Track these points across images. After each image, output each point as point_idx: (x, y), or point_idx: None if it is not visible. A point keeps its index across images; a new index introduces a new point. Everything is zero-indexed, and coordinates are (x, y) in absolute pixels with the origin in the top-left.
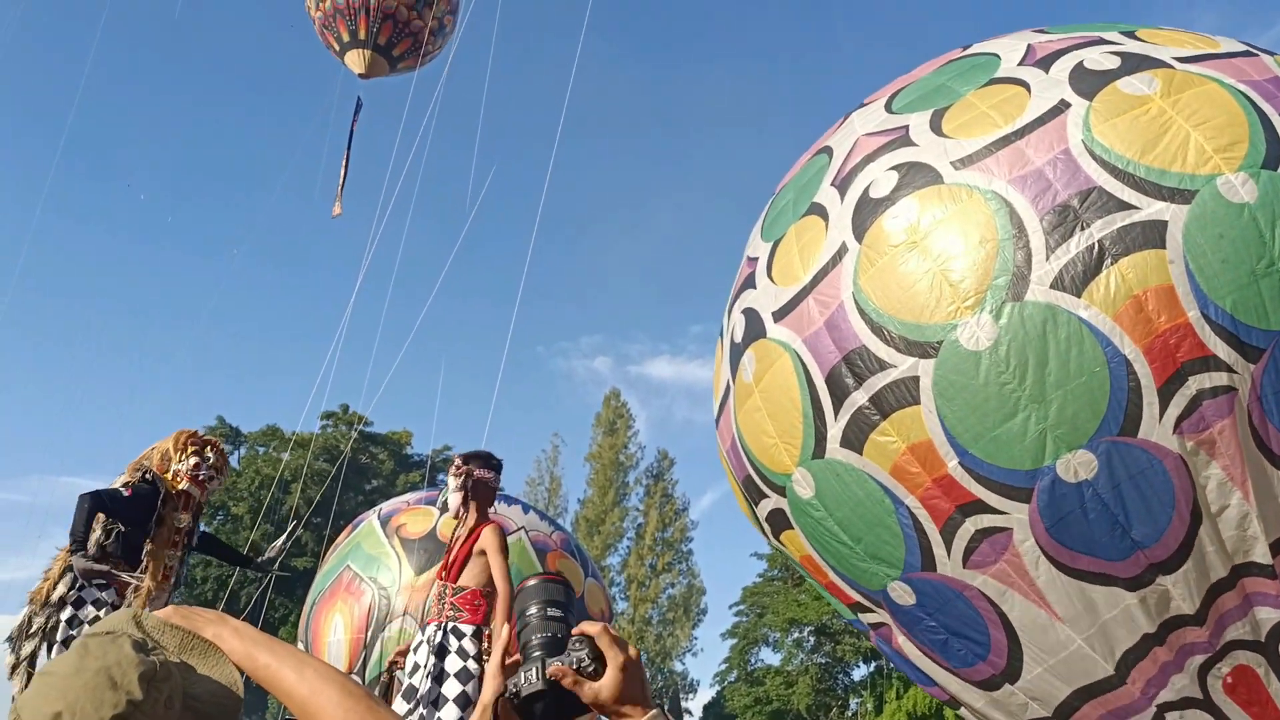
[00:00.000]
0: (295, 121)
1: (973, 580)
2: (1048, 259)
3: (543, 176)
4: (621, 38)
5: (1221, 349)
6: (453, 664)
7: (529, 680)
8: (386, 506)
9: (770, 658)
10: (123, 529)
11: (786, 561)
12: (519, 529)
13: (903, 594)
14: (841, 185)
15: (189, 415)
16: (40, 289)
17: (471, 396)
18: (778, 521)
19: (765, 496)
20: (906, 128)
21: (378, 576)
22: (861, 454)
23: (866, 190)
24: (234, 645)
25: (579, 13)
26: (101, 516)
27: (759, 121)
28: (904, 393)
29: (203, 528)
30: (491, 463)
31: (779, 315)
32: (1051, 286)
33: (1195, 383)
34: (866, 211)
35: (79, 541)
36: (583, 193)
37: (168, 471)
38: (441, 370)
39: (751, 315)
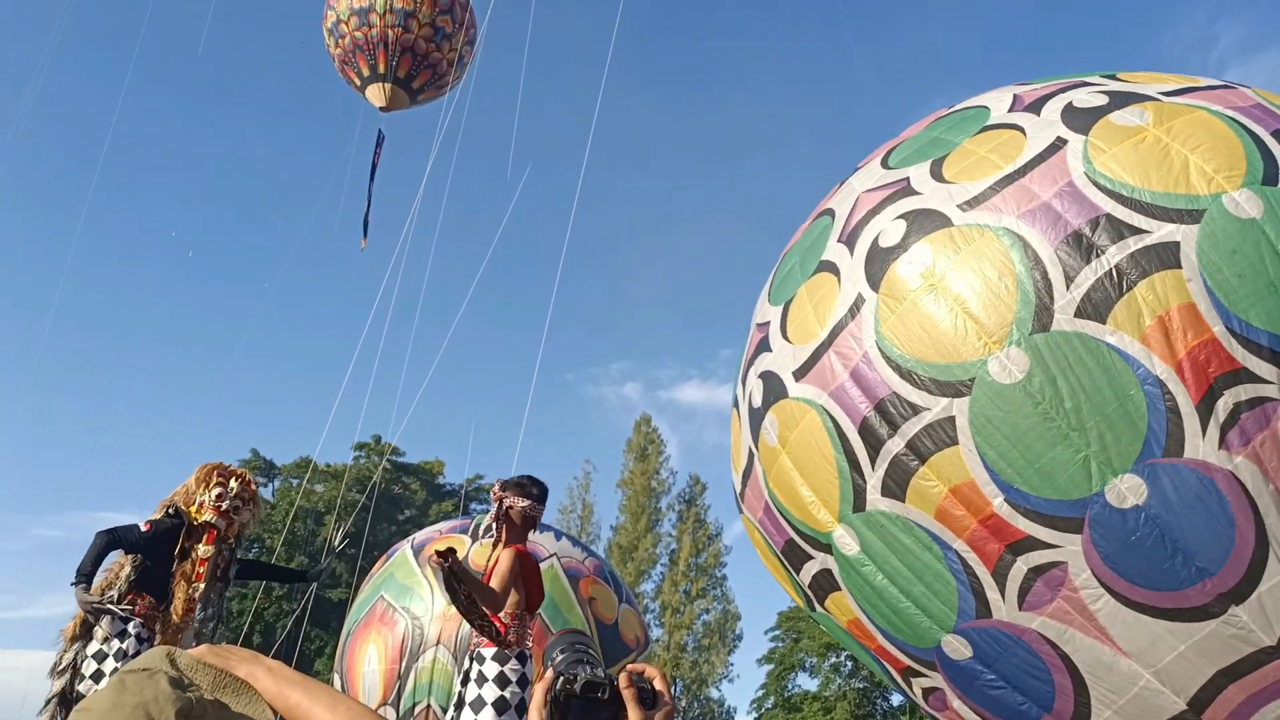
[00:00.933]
0: (322, 155)
1: (1030, 623)
2: (1068, 288)
3: (567, 204)
4: (644, 66)
5: (1251, 361)
6: (471, 692)
7: (587, 673)
8: (420, 535)
9: (807, 683)
10: (146, 563)
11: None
12: (550, 556)
13: (958, 648)
14: (849, 240)
15: (224, 449)
16: (75, 325)
17: (503, 425)
18: (823, 584)
19: (810, 558)
20: (907, 179)
21: (410, 606)
22: (904, 501)
23: (876, 240)
24: (267, 684)
25: (602, 41)
26: (126, 555)
27: (784, 146)
28: (940, 434)
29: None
30: (530, 491)
31: (800, 374)
32: (1076, 315)
33: (1230, 396)
34: (879, 261)
35: (82, 576)
36: (608, 219)
37: (193, 505)
38: (455, 399)
39: (770, 378)
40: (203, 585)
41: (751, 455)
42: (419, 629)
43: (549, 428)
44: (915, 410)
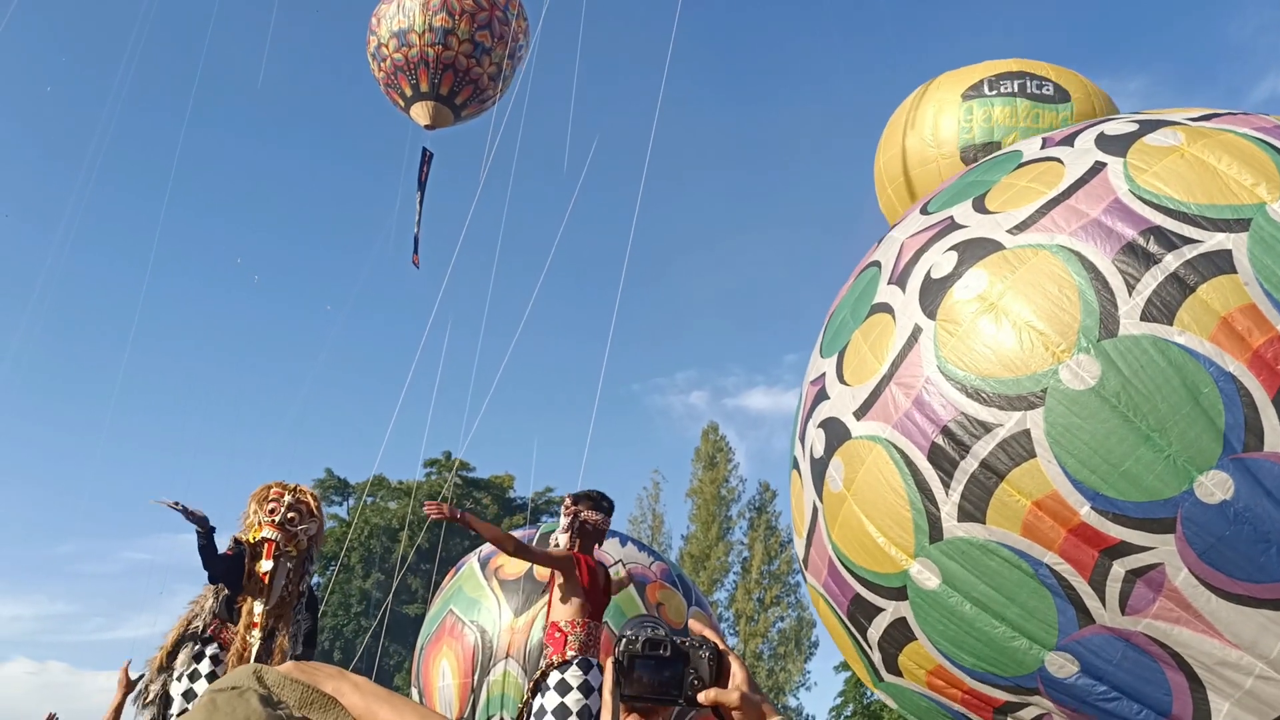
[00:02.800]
0: (380, 177)
1: (1136, 626)
2: (1130, 295)
3: (623, 214)
4: (698, 73)
5: None
6: (536, 702)
7: (649, 633)
8: (487, 548)
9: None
10: (227, 593)
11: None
12: (616, 562)
13: (1063, 664)
14: (900, 280)
15: (298, 470)
16: (151, 350)
17: (571, 438)
18: (896, 638)
19: (880, 611)
20: (951, 217)
21: (479, 619)
22: (985, 522)
23: (928, 274)
24: (354, 700)
25: (656, 50)
26: (209, 585)
27: (842, 149)
28: (1017, 449)
29: (316, 579)
30: (601, 504)
31: (861, 412)
32: (1142, 319)
33: None
34: (933, 291)
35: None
36: (667, 227)
37: (250, 525)
38: (522, 413)
39: (830, 425)
40: (267, 602)
41: (815, 511)
42: (488, 642)
43: (616, 439)
44: (987, 428)
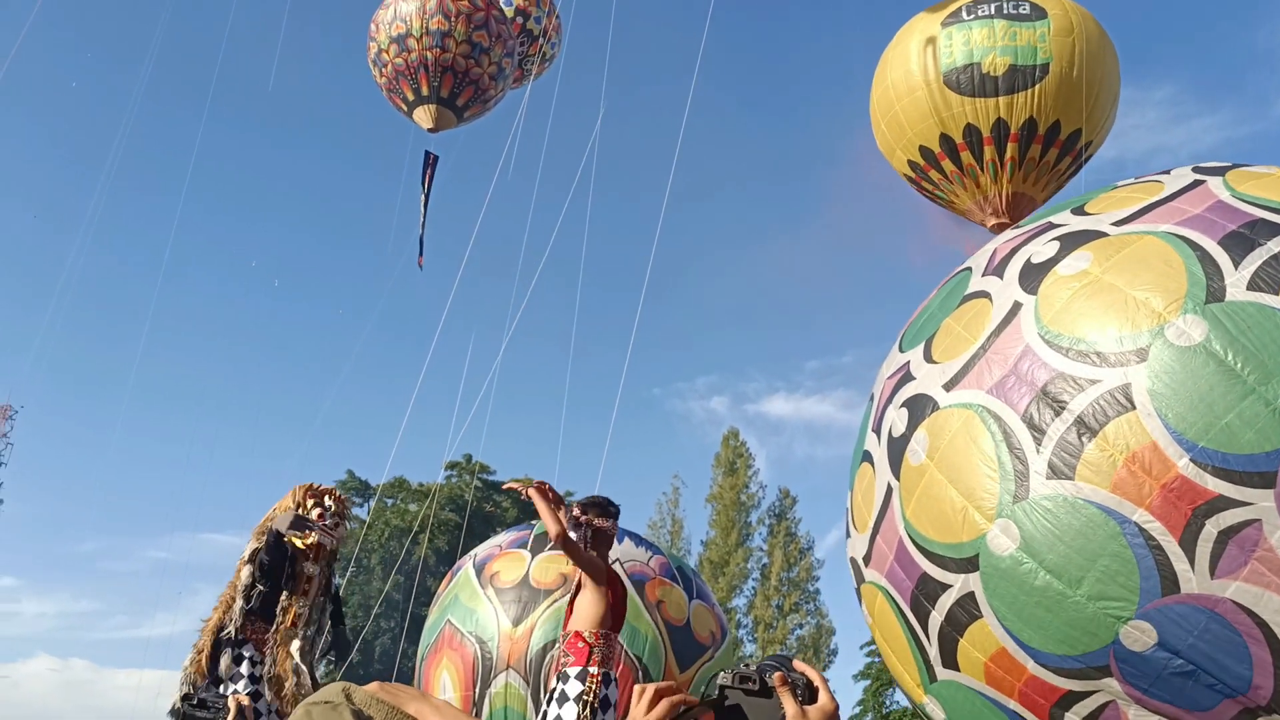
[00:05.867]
0: (384, 180)
1: (1224, 591)
2: (1236, 269)
3: (643, 219)
4: (719, 78)
5: None
6: (552, 712)
7: (748, 670)
8: (481, 552)
9: (905, 699)
10: (263, 592)
11: None
12: (613, 561)
13: (1139, 637)
14: (998, 270)
15: (320, 470)
16: (175, 348)
17: (591, 441)
18: (961, 617)
19: (946, 589)
20: (1049, 222)
21: (477, 630)
22: (1074, 479)
23: (1029, 260)
24: None
25: (678, 57)
26: (241, 586)
27: (866, 156)
28: (1116, 403)
29: (337, 580)
30: (609, 510)
31: (952, 384)
32: (1249, 289)
33: None
34: (1034, 273)
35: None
36: (687, 232)
37: (302, 529)
38: (543, 417)
39: (916, 401)
40: (309, 601)
41: (889, 493)
42: (488, 653)
43: (636, 443)
44: (1088, 384)
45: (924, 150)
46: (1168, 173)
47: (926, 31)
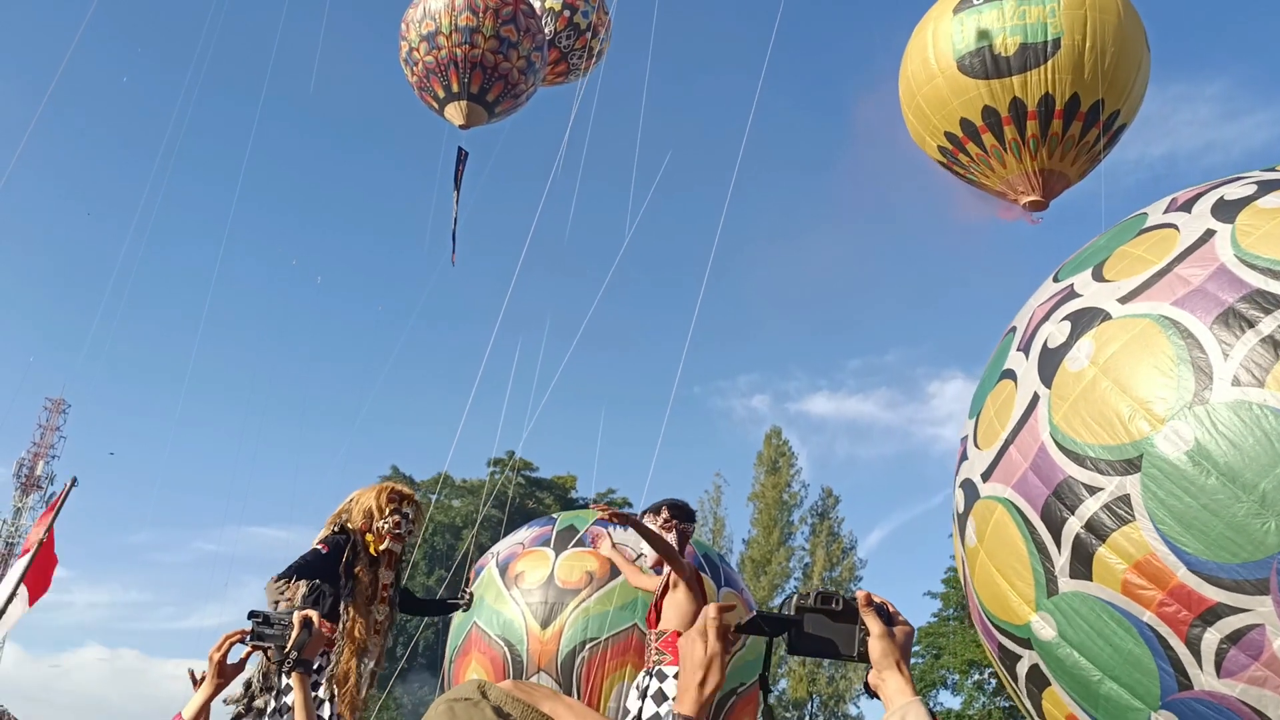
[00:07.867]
0: (423, 178)
1: (1231, 690)
2: (1225, 360)
3: (692, 214)
4: (772, 72)
5: None
6: (649, 709)
7: (832, 591)
8: (504, 550)
9: (950, 700)
10: (324, 587)
11: (963, 599)
12: (640, 555)
13: None
14: (1025, 347)
15: (364, 466)
16: (226, 343)
17: (632, 438)
18: (1036, 680)
19: (1018, 658)
20: (1071, 286)
21: (504, 633)
22: (1091, 579)
23: (1045, 343)
24: None
25: (727, 48)
26: (301, 580)
27: (911, 152)
28: (1117, 512)
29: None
30: (691, 514)
31: (987, 474)
32: (1232, 385)
33: None
34: (1049, 361)
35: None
36: (733, 230)
37: (370, 530)
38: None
39: (967, 485)
40: (388, 609)
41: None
42: (517, 656)
43: (678, 441)
44: (1090, 491)
45: (949, 135)
46: (1190, 209)
47: (941, 20)
